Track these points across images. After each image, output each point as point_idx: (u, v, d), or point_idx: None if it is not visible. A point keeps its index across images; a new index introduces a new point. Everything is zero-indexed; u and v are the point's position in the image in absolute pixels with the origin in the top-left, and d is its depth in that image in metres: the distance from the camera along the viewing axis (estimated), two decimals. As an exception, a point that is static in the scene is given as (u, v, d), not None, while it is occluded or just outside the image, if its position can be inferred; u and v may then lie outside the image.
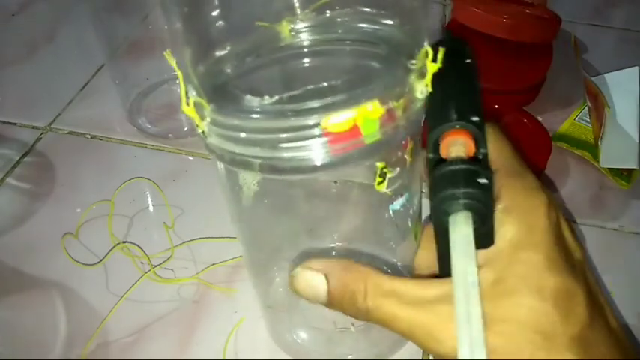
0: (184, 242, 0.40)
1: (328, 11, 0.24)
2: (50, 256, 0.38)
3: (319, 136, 0.20)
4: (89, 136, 0.48)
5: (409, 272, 0.31)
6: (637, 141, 0.44)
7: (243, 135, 0.21)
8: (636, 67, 0.49)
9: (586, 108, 0.49)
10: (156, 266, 0.38)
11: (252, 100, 0.21)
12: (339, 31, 0.24)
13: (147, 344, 0.34)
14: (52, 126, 0.49)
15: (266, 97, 0.21)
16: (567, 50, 0.53)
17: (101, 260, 0.38)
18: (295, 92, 0.21)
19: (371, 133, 0.21)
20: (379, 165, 0.26)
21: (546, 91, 0.53)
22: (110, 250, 0.39)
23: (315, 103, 0.20)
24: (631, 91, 0.48)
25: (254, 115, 0.21)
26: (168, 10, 0.23)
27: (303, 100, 0.20)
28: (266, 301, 0.34)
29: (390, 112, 0.21)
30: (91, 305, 0.36)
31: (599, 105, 0.46)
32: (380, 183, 0.26)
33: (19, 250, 0.39)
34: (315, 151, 0.21)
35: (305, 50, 0.24)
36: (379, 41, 0.24)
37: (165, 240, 0.39)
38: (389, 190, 0.26)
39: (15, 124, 0.49)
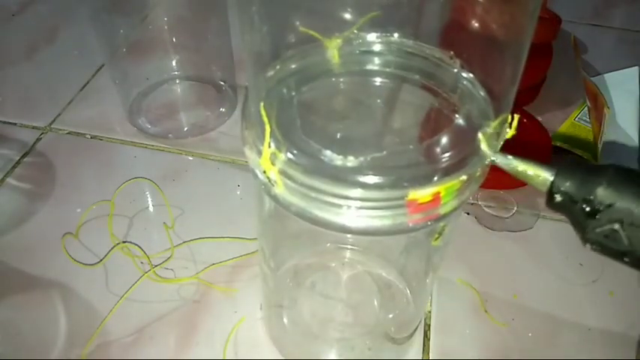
0: (184, 242, 0.40)
1: (375, 34, 0.23)
2: (50, 256, 0.38)
3: (402, 206, 0.20)
4: (89, 136, 0.48)
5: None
6: (637, 141, 0.44)
7: (317, 195, 0.20)
8: (636, 67, 0.50)
9: (586, 108, 0.49)
10: (156, 266, 0.38)
11: (334, 159, 0.20)
12: (392, 60, 0.24)
13: (147, 344, 0.34)
14: (52, 126, 0.49)
15: (350, 157, 0.20)
16: (567, 50, 0.53)
17: (101, 260, 0.38)
18: (378, 155, 0.20)
19: (449, 201, 0.20)
20: (441, 224, 0.26)
21: (546, 91, 0.53)
22: (110, 250, 0.39)
23: (404, 177, 0.20)
24: (631, 91, 0.48)
25: (338, 180, 0.20)
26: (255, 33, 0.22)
27: (386, 164, 0.20)
28: (277, 301, 0.35)
29: (469, 180, 0.21)
30: (91, 305, 0.36)
31: (599, 105, 0.46)
32: (436, 239, 0.26)
33: (19, 250, 0.39)
34: (395, 220, 0.20)
35: (363, 84, 0.24)
36: (443, 84, 0.23)
37: (165, 240, 0.39)
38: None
39: (15, 124, 0.49)
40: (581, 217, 0.19)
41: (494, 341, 0.35)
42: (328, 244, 0.36)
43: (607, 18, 0.65)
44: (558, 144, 0.47)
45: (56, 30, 0.60)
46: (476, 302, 0.37)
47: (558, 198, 0.19)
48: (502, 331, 0.36)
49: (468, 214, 0.42)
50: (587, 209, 0.19)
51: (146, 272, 0.37)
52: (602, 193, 0.18)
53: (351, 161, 0.20)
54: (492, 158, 0.21)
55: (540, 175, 0.20)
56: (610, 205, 0.18)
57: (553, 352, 0.35)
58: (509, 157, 0.21)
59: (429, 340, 0.35)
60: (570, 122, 0.49)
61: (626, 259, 0.19)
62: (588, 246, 0.19)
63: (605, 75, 0.51)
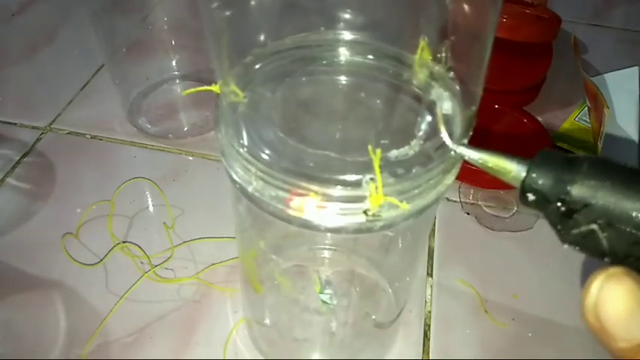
0: (184, 242, 0.40)
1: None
2: (50, 256, 0.38)
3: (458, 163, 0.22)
4: (89, 136, 0.48)
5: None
6: (637, 141, 0.44)
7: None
8: (636, 67, 0.50)
9: (586, 108, 0.49)
10: (156, 266, 0.38)
11: (403, 152, 0.21)
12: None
13: (147, 344, 0.34)
14: (52, 126, 0.49)
15: (413, 141, 0.21)
16: (567, 50, 0.53)
17: (101, 260, 0.38)
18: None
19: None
20: None
21: (546, 91, 0.53)
22: (110, 250, 0.39)
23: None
24: (631, 91, 0.48)
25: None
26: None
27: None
28: (258, 306, 0.34)
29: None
30: (91, 305, 0.36)
31: (599, 105, 0.46)
32: None
33: (19, 250, 0.39)
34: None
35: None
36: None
37: (165, 240, 0.39)
38: None
39: (15, 124, 0.49)
40: (557, 217, 0.18)
41: (494, 341, 0.35)
42: (307, 246, 0.36)
43: (607, 18, 0.65)
44: (558, 144, 0.47)
45: (56, 30, 0.60)
46: (476, 302, 0.37)
47: (531, 197, 0.18)
48: (502, 331, 0.36)
49: (468, 214, 0.42)
50: (563, 209, 0.17)
51: (146, 272, 0.37)
52: (577, 192, 0.17)
53: (414, 146, 0.21)
54: (461, 152, 0.20)
55: (512, 171, 0.19)
56: (586, 205, 0.17)
57: (553, 352, 0.35)
58: (478, 150, 0.20)
59: (429, 340, 0.35)
60: (570, 122, 0.49)
61: (606, 259, 0.17)
62: (566, 246, 0.18)
63: (605, 75, 0.51)
